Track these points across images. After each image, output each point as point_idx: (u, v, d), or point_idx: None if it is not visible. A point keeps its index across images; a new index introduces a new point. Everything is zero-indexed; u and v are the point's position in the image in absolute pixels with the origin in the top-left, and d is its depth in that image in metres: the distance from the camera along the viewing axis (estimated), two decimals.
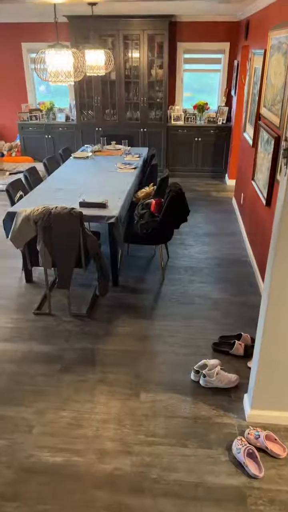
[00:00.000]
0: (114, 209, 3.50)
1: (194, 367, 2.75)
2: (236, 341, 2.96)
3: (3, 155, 7.43)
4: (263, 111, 3.90)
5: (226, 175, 6.90)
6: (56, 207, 3.04)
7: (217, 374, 2.65)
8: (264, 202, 3.65)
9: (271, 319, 2.16)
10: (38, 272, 3.92)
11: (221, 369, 2.70)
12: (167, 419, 2.44)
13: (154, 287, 3.82)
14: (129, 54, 6.52)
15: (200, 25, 6.49)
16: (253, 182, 4.26)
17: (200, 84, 7.25)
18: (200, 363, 2.76)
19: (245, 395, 2.54)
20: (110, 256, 3.68)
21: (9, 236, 3.16)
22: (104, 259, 3.40)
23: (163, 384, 2.70)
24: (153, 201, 3.77)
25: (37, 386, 2.69)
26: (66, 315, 3.40)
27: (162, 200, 3.71)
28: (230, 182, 6.63)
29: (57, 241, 3.05)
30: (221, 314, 3.42)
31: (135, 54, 6.50)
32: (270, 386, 2.33)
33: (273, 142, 3.37)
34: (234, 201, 5.83)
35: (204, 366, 2.73)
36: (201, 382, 2.69)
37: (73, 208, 3.01)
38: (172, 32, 6.44)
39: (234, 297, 3.65)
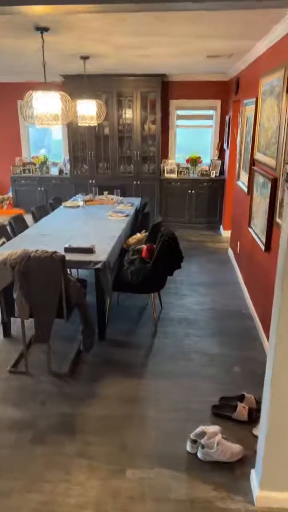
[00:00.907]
0: (102, 254, 3.23)
1: (191, 436, 2.32)
2: (239, 404, 2.56)
3: None
4: (258, 156, 3.80)
5: (221, 226, 6.76)
6: (37, 250, 2.77)
7: (217, 444, 2.23)
8: (263, 247, 3.41)
9: (279, 376, 1.80)
10: (17, 325, 3.56)
11: (222, 437, 2.28)
12: (157, 503, 1.99)
13: (145, 341, 3.45)
14: (123, 110, 6.65)
15: (192, 85, 6.69)
16: (249, 229, 4.05)
17: (192, 143, 7.32)
18: (197, 430, 2.34)
19: (253, 471, 2.10)
20: (97, 306, 3.35)
21: None
22: (90, 310, 3.07)
23: (153, 457, 2.26)
24: (144, 246, 3.52)
25: (2, 459, 2.24)
26: (44, 373, 3.00)
27: (154, 245, 3.47)
28: (225, 234, 6.47)
29: (36, 288, 2.75)
30: (220, 372, 3.03)
31: (128, 110, 6.63)
32: (284, 460, 1.91)
33: (269, 184, 3.20)
34: (230, 251, 5.61)
35: (203, 434, 2.31)
36: (199, 454, 2.25)
37: (55, 252, 2.74)
38: (165, 89, 6.62)
39: (234, 352, 3.27)
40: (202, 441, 2.26)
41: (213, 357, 3.21)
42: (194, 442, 2.30)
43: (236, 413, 2.53)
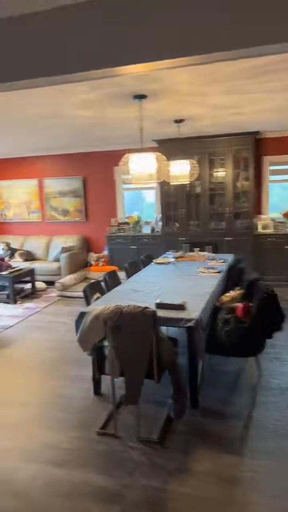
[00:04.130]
0: (194, 311, 3.07)
1: None
2: None
3: (90, 265, 7.70)
4: None
5: None
6: (129, 305, 2.72)
7: None
8: None
9: None
10: (108, 382, 3.46)
11: None
12: None
13: (243, 411, 3.08)
14: (215, 169, 6.72)
15: (286, 140, 6.57)
16: None
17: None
18: None
19: None
20: (188, 370, 3.12)
21: (77, 338, 2.86)
22: (181, 373, 2.86)
23: None
24: (239, 305, 3.28)
25: None
26: (133, 438, 2.80)
27: (251, 304, 3.21)
28: None
29: (127, 345, 2.65)
30: None
31: (220, 169, 6.67)
32: None
33: None
34: None
35: None
36: None
37: (146, 307, 2.66)
38: (258, 146, 6.58)
39: None
40: None
41: None
42: None
43: None
